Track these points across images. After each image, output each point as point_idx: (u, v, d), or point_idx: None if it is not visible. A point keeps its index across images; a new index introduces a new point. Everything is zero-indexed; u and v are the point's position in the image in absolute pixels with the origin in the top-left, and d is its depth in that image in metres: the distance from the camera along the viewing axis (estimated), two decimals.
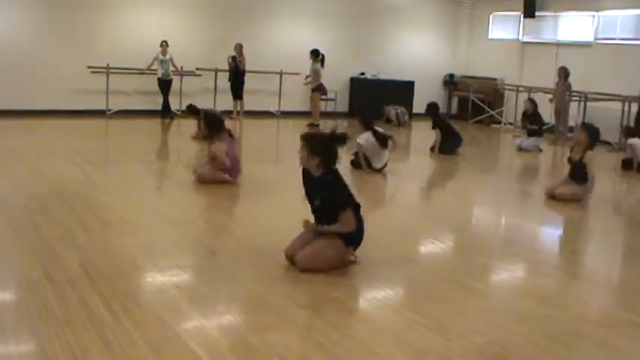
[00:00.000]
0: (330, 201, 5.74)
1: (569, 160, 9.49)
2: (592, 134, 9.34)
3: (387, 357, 4.24)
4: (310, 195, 5.96)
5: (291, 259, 5.82)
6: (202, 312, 4.76)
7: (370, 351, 4.29)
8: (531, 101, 15.11)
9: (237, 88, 16.63)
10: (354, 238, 5.89)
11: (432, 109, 13.51)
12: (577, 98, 16.50)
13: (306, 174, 5.93)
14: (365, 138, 10.57)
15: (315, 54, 16.28)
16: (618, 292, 6.12)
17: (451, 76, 21.09)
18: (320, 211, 5.87)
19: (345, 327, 4.68)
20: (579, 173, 9.29)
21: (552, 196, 9.33)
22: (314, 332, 4.54)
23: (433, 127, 13.31)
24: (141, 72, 15.98)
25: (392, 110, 18.29)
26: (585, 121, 14.33)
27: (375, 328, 4.65)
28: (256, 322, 4.72)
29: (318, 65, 16.30)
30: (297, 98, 18.42)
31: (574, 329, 4.92)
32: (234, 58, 16.37)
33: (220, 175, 8.94)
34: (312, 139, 5.79)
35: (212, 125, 9.14)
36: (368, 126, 10.85)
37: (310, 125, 16.17)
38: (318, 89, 16.59)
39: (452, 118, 19.06)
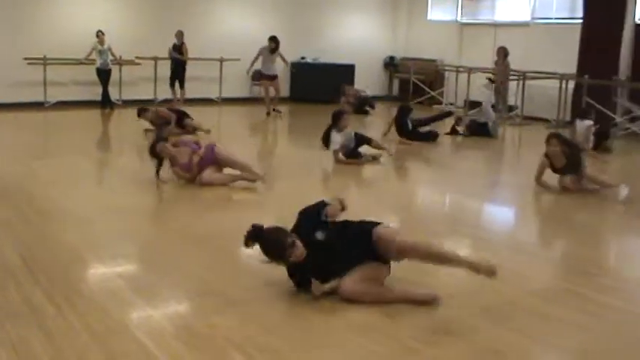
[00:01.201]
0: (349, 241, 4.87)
1: (555, 170, 8.88)
2: (563, 142, 8.89)
3: (332, 337, 4.30)
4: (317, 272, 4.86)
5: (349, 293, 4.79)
6: (147, 300, 4.75)
7: (314, 332, 4.35)
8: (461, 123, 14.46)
9: (178, 76, 16.48)
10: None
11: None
12: (516, 77, 16.73)
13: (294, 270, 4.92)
14: (337, 142, 10.42)
15: (273, 41, 16.02)
16: (557, 264, 6.26)
17: (391, 58, 21.20)
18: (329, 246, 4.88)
19: (287, 309, 4.73)
20: (572, 167, 8.78)
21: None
22: (257, 315, 4.57)
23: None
24: (79, 62, 15.77)
25: (352, 92, 18.07)
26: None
27: (318, 310, 4.68)
28: (201, 308, 4.74)
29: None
30: (237, 85, 18.35)
31: (512, 300, 5.03)
32: (175, 45, 16.23)
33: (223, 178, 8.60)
34: (270, 253, 4.83)
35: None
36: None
37: (270, 113, 16.05)
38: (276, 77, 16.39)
39: (393, 100, 19.23)
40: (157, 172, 8.39)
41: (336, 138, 10.13)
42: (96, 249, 5.89)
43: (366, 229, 4.87)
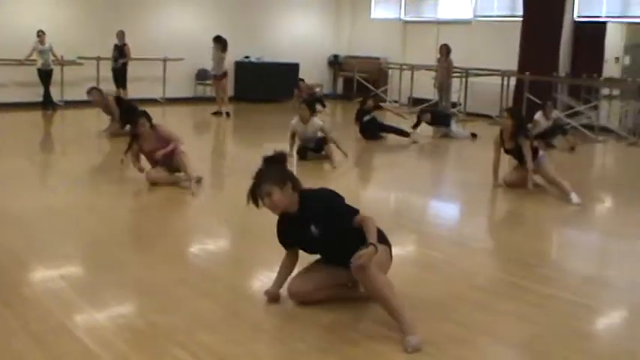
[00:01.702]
0: (332, 221, 4.45)
1: (506, 151, 8.91)
2: (516, 117, 8.92)
3: (274, 332, 4.30)
4: (301, 242, 4.68)
5: (300, 298, 4.66)
6: (88, 300, 4.69)
7: (256, 328, 4.34)
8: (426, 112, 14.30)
9: (121, 77, 16.32)
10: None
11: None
12: (458, 74, 16.92)
13: (284, 223, 4.67)
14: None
15: (220, 41, 15.93)
16: (500, 257, 6.35)
17: (335, 56, 21.25)
18: (324, 243, 4.56)
19: (232, 305, 4.71)
20: (520, 157, 8.79)
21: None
22: (200, 312, 4.55)
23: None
24: (19, 63, 15.51)
25: (306, 88, 17.70)
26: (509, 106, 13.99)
27: (261, 306, 4.68)
28: (142, 306, 4.71)
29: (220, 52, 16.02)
30: (181, 85, 18.24)
31: (455, 294, 5.08)
32: (116, 45, 16.06)
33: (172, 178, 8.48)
34: (269, 175, 4.45)
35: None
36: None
37: (217, 113, 15.90)
38: (226, 75, 16.29)
39: (338, 99, 19.29)
40: (130, 147, 8.40)
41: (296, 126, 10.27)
42: (37, 250, 5.80)
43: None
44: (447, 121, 13.75)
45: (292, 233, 4.62)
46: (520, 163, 8.82)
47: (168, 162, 8.28)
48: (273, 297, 4.65)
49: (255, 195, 4.44)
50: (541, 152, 8.80)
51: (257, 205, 4.47)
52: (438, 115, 14.15)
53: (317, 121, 10.47)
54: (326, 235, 4.45)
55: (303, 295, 4.61)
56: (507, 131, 8.68)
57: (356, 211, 4.43)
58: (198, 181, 8.22)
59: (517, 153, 8.75)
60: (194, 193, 7.87)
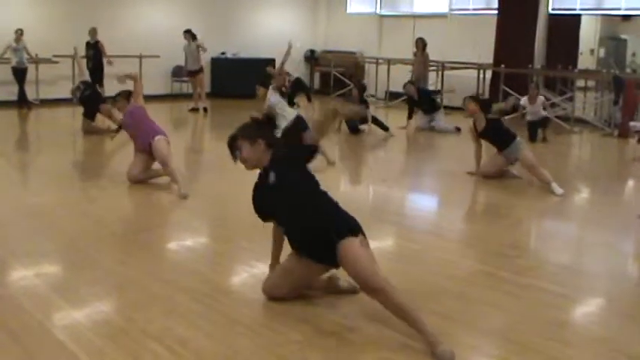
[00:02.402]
0: (288, 161, 4.49)
1: (476, 135, 8.97)
2: (479, 101, 9.25)
3: (252, 325, 4.30)
4: (270, 206, 4.59)
5: (275, 298, 4.62)
6: (65, 298, 4.68)
7: (234, 321, 4.34)
8: (412, 83, 14.49)
9: (98, 75, 16.14)
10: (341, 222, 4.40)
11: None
12: (435, 68, 16.96)
13: (258, 188, 4.64)
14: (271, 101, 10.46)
15: (189, 31, 15.88)
16: (477, 248, 6.37)
17: (312, 51, 21.23)
18: (281, 196, 4.45)
19: (208, 299, 4.70)
20: (499, 140, 8.85)
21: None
22: (177, 306, 4.55)
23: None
24: None
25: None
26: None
27: (238, 299, 4.68)
28: (119, 302, 4.71)
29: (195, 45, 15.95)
30: (157, 82, 18.15)
31: (433, 284, 5.11)
32: (88, 43, 15.87)
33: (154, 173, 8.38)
34: (243, 131, 4.55)
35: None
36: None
37: (194, 110, 15.84)
38: (202, 71, 16.20)
39: (315, 94, 19.28)
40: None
41: (272, 97, 10.27)
42: (12, 248, 5.77)
43: (329, 238, 4.24)
44: (434, 105, 13.86)
45: (264, 198, 4.58)
46: (497, 146, 8.89)
47: (144, 143, 8.12)
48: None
49: (231, 149, 4.56)
50: (518, 138, 8.83)
51: (234, 159, 4.58)
52: (424, 92, 14.22)
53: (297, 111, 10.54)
54: (282, 180, 4.43)
55: (278, 296, 4.60)
56: (476, 115, 8.92)
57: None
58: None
59: (492, 133, 8.85)
60: (185, 196, 7.67)
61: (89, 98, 12.44)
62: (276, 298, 4.60)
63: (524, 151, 8.67)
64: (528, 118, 12.39)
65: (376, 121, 12.97)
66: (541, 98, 12.56)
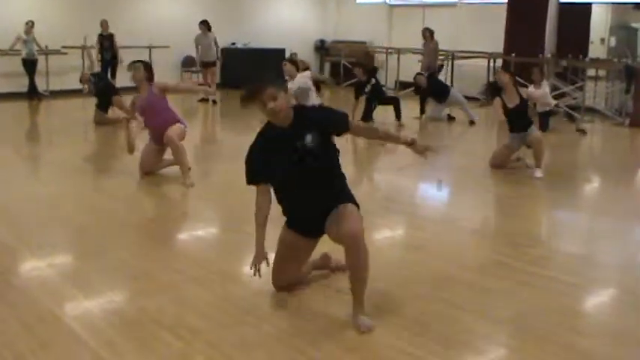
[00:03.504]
0: (329, 127, 4.31)
1: (509, 112, 8.68)
2: (512, 74, 8.97)
3: (263, 315, 4.30)
4: (276, 170, 4.32)
5: (286, 287, 4.62)
6: (77, 287, 4.70)
7: (245, 311, 4.34)
8: (421, 75, 14.39)
9: (113, 66, 16.06)
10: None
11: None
12: (445, 57, 16.91)
13: (258, 148, 4.38)
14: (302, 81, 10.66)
15: (207, 25, 15.86)
16: (488, 238, 6.36)
17: (322, 41, 21.20)
18: (311, 159, 4.23)
19: (219, 289, 4.72)
20: (521, 122, 8.71)
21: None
22: (188, 296, 4.56)
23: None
24: (4, 53, 15.40)
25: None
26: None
27: (249, 289, 4.68)
28: (131, 292, 4.73)
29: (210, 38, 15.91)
30: (167, 72, 18.11)
31: (444, 273, 5.10)
32: (101, 35, 15.87)
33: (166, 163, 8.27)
34: (274, 81, 4.30)
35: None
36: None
37: (203, 100, 15.81)
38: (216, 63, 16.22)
39: (325, 84, 19.24)
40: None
41: (307, 81, 10.71)
42: (24, 239, 5.79)
43: (331, 207, 4.25)
44: (446, 90, 13.76)
45: (267, 158, 4.29)
46: (517, 128, 8.74)
47: (159, 135, 7.95)
48: (261, 259, 4.37)
49: (254, 97, 4.21)
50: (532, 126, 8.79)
51: (263, 107, 4.19)
52: (435, 81, 14.13)
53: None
54: (317, 148, 4.19)
55: (285, 282, 4.59)
56: (508, 88, 8.62)
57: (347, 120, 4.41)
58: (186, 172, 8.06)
59: (522, 110, 8.67)
60: (191, 184, 7.70)
61: (102, 90, 12.45)
62: (284, 287, 4.59)
63: (535, 132, 8.69)
64: (539, 109, 12.30)
65: (394, 102, 13.02)
66: (545, 83, 12.44)
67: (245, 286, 4.76)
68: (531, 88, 12.09)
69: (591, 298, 4.95)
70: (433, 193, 8.30)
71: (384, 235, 6.23)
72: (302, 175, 4.25)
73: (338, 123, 4.34)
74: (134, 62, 8.21)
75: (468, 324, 4.23)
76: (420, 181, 8.74)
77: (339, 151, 4.39)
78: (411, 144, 4.66)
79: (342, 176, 4.43)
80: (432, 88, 13.76)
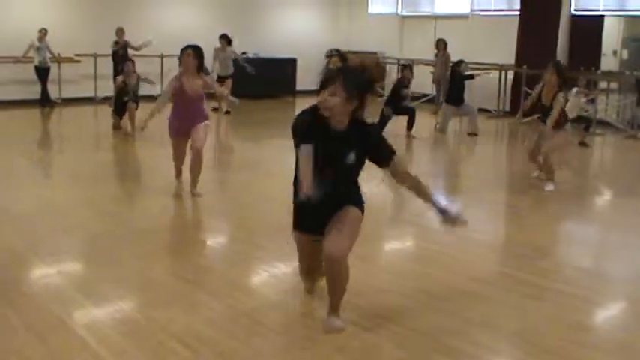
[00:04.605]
0: (364, 155, 4.18)
1: (540, 107, 8.59)
2: (561, 71, 8.57)
3: (273, 325, 4.31)
4: (326, 156, 4.06)
5: (312, 274, 4.66)
6: (86, 295, 4.72)
7: (255, 321, 4.35)
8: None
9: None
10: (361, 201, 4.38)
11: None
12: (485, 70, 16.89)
13: (318, 127, 4.08)
14: None
15: (227, 39, 15.87)
16: (496, 249, 6.36)
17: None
18: (343, 173, 4.21)
19: (229, 298, 4.73)
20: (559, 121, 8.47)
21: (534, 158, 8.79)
22: (198, 305, 4.58)
23: None
24: (17, 60, 15.47)
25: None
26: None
27: (260, 300, 4.69)
28: (141, 301, 4.74)
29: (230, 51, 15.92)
30: None
31: (452, 285, 5.11)
32: (116, 42, 15.89)
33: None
34: (352, 74, 4.06)
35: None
36: None
37: (215, 110, 15.75)
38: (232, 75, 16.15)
39: None
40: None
41: None
42: (35, 246, 5.82)
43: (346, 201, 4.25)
44: (461, 96, 13.65)
45: (312, 132, 4.06)
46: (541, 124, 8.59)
47: (186, 123, 7.63)
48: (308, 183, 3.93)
49: (329, 78, 4.01)
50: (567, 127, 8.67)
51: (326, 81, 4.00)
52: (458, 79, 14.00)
53: None
54: (354, 165, 4.16)
55: (316, 275, 4.65)
56: (549, 86, 8.42)
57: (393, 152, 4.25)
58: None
59: (549, 112, 8.45)
60: (198, 195, 7.65)
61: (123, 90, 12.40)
62: (309, 275, 4.64)
63: (558, 138, 8.53)
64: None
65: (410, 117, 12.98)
66: (574, 91, 12.38)
67: (255, 297, 4.78)
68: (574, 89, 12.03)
69: (599, 312, 4.94)
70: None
71: (391, 246, 6.25)
72: (327, 169, 4.10)
73: (382, 155, 4.24)
74: (185, 48, 7.92)
75: (475, 336, 4.24)
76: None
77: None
78: (443, 212, 4.49)
79: (357, 182, 4.36)
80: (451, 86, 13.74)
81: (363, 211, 4.28)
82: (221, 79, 15.95)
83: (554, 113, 8.32)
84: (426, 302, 4.71)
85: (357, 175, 4.28)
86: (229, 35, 15.95)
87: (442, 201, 4.28)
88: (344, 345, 4.04)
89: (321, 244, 4.16)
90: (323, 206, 4.04)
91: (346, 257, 4.09)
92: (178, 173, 7.85)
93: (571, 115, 11.78)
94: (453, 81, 13.71)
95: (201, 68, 7.73)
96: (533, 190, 8.47)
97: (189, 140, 7.67)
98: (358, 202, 4.30)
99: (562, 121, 8.52)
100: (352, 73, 4.07)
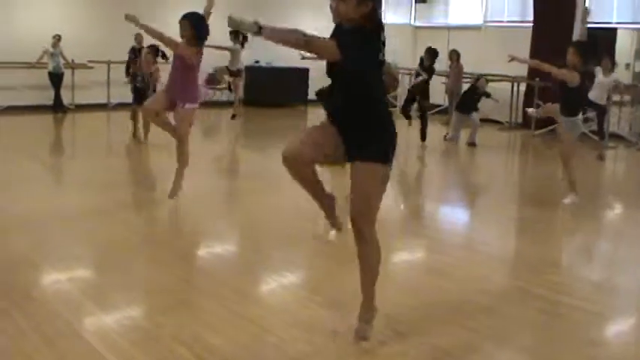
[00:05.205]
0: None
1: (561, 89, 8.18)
2: (583, 51, 8.09)
3: (280, 334, 4.29)
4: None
5: (295, 159, 4.22)
6: (96, 302, 4.71)
7: (263, 329, 4.33)
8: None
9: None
10: (388, 144, 4.03)
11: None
12: (469, 80, 16.88)
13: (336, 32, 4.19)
14: None
15: (236, 34, 15.81)
16: (510, 263, 6.33)
17: None
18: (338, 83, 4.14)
19: (238, 307, 4.71)
20: (570, 103, 8.19)
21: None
22: (206, 313, 4.56)
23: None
24: (30, 66, 15.54)
25: None
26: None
27: (268, 308, 4.68)
28: (150, 308, 4.74)
29: (238, 46, 15.72)
30: None
31: (465, 298, 5.07)
32: (134, 48, 15.84)
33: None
34: None
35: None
36: None
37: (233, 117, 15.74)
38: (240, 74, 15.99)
39: None
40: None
41: None
42: (45, 252, 5.82)
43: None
44: (473, 106, 13.66)
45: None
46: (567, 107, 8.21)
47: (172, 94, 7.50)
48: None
49: None
50: (579, 117, 8.32)
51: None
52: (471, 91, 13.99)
53: None
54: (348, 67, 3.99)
55: (295, 166, 4.24)
56: (575, 63, 7.92)
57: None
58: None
59: (571, 89, 8.04)
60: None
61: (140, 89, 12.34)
62: (289, 160, 4.23)
63: (570, 135, 8.22)
64: (591, 95, 12.00)
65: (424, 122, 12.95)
66: (615, 75, 12.35)
67: (263, 306, 4.76)
68: (599, 76, 11.98)
69: (612, 327, 4.90)
70: (454, 217, 8.27)
71: (404, 259, 6.22)
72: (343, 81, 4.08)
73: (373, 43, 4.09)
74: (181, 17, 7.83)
75: (487, 350, 4.22)
76: (440, 205, 8.72)
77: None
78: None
79: (383, 110, 4.09)
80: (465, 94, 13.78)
81: (378, 159, 3.96)
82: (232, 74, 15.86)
83: (557, 70, 7.98)
84: (438, 315, 4.68)
85: (363, 90, 3.98)
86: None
87: None
88: (353, 357, 4.01)
89: (334, 133, 4.03)
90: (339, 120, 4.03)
91: (368, 223, 3.99)
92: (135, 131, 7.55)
93: (601, 102, 11.81)
94: (470, 93, 13.71)
95: (197, 39, 7.60)
96: (547, 203, 8.43)
97: (169, 114, 7.55)
98: (373, 148, 3.96)
99: (576, 104, 8.18)
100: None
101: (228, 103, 16.56)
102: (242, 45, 15.59)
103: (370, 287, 4.17)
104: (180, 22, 7.66)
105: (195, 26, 7.63)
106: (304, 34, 3.99)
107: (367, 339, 4.11)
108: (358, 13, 3.95)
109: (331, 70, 4.11)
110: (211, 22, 7.88)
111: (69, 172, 10.10)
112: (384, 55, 4.10)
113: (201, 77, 11.11)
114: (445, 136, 13.57)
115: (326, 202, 4.34)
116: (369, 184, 3.97)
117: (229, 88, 16.29)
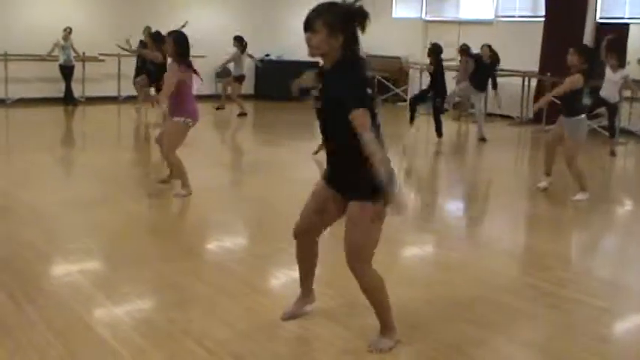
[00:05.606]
0: (337, 101, 3.76)
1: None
2: (584, 53, 8.07)
3: (291, 328, 4.30)
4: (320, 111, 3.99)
5: (307, 233, 4.31)
6: (107, 295, 4.74)
7: (275, 324, 4.35)
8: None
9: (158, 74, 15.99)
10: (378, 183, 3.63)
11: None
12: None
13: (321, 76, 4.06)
14: None
15: (240, 41, 15.87)
16: (518, 258, 6.33)
17: None
18: (327, 124, 4.00)
19: (248, 301, 4.73)
20: (570, 103, 8.11)
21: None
22: (217, 308, 4.58)
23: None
24: (41, 58, 15.59)
25: None
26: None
27: (279, 302, 4.69)
28: (160, 301, 4.75)
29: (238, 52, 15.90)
30: (206, 82, 18.21)
31: (474, 293, 5.07)
32: (142, 42, 15.83)
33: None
34: (330, 14, 3.91)
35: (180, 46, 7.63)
36: None
37: (241, 115, 15.76)
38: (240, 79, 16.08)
39: None
40: None
41: None
42: (57, 244, 5.86)
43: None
44: (483, 84, 13.63)
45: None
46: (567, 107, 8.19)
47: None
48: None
49: (308, 21, 3.94)
50: (582, 116, 8.25)
51: (305, 30, 3.96)
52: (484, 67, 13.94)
53: None
54: (324, 103, 3.94)
55: (306, 238, 4.31)
56: (577, 67, 7.89)
57: (361, 102, 3.70)
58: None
59: (567, 99, 8.08)
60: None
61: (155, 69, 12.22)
62: (300, 235, 4.30)
63: (574, 140, 8.14)
64: (602, 93, 12.04)
65: (437, 119, 12.92)
66: (624, 72, 12.30)
67: (274, 300, 4.77)
68: (609, 73, 11.94)
69: (622, 323, 4.90)
70: (463, 212, 8.26)
71: (413, 254, 6.23)
72: (325, 125, 4.01)
73: (346, 101, 3.72)
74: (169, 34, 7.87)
75: (495, 345, 4.22)
76: (450, 200, 8.72)
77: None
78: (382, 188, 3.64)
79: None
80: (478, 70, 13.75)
81: (370, 198, 3.78)
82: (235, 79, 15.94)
83: (562, 87, 7.97)
84: (447, 311, 4.68)
85: (349, 134, 3.67)
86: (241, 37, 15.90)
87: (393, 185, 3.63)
88: (365, 353, 4.02)
89: (333, 199, 4.03)
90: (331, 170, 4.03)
91: (359, 261, 3.92)
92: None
93: (613, 100, 11.75)
94: (482, 68, 13.76)
95: (180, 56, 7.56)
96: (557, 199, 8.42)
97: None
98: (360, 188, 3.82)
99: (576, 103, 8.09)
100: (332, 8, 3.95)
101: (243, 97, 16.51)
102: (244, 50, 15.68)
103: (381, 314, 4.07)
104: (166, 38, 7.78)
105: (177, 43, 7.60)
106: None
107: (377, 352, 4.00)
108: (330, 45, 3.86)
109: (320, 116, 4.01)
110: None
111: (79, 164, 10.14)
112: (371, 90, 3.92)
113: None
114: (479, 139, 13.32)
115: (305, 288, 4.47)
116: (357, 222, 3.88)
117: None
